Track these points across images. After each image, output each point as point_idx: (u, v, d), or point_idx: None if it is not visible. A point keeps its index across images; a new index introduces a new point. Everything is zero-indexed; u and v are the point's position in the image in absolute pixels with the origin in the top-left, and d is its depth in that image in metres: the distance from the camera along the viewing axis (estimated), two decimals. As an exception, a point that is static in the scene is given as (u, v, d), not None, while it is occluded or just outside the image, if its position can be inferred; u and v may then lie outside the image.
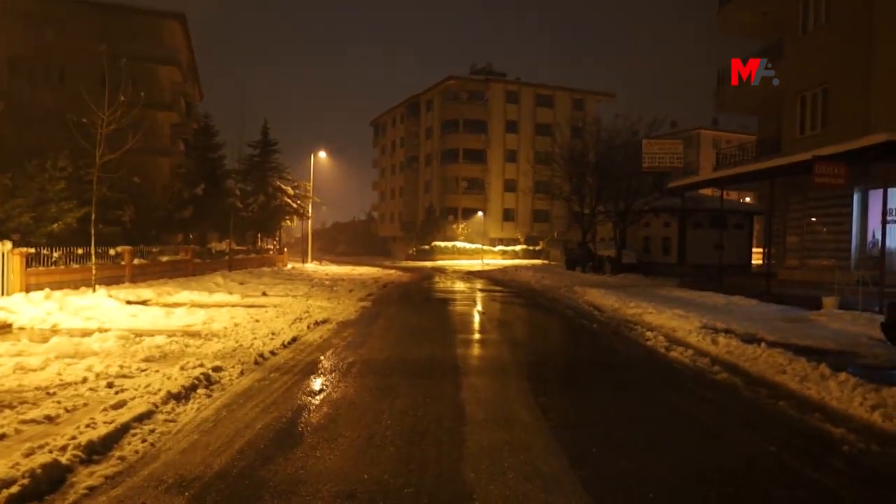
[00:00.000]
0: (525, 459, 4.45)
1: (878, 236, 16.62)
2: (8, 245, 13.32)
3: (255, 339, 9.13)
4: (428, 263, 47.26)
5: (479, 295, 19.31)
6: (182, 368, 6.59)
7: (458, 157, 58.78)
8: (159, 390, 5.71)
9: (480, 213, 57.14)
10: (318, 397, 6.16)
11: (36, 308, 11.35)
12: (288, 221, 40.32)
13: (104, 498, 3.66)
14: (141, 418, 4.97)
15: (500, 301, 17.67)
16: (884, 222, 13.80)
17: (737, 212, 29.50)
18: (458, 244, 54.43)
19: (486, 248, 53.92)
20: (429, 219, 57.01)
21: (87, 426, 4.65)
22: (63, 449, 4.14)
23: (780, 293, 15.71)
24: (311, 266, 38.03)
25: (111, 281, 16.74)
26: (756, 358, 8.16)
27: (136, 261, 18.92)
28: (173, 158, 37.61)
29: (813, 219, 20.15)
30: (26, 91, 29.64)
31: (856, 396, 6.09)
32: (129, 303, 13.43)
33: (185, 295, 15.59)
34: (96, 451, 4.26)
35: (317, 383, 6.80)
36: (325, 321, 11.83)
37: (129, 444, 4.50)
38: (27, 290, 13.31)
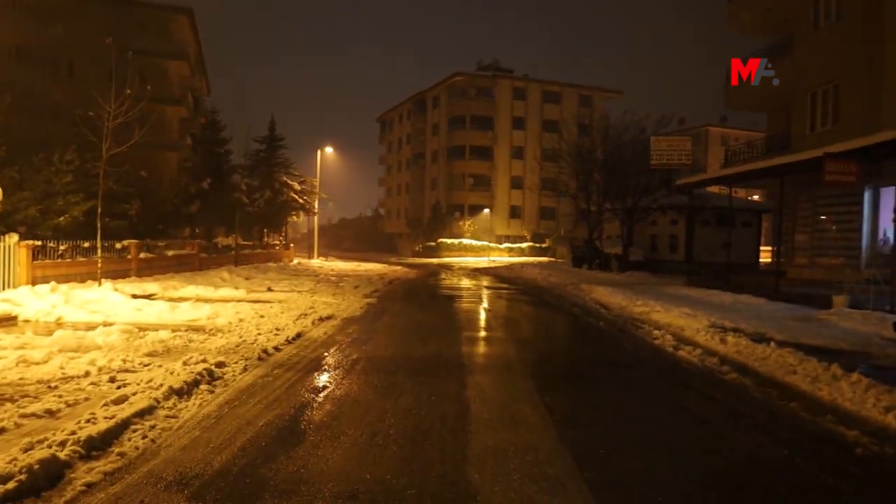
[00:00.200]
0: (531, 460, 4.37)
1: (890, 234, 16.45)
2: (14, 237, 13.33)
3: (259, 334, 9.08)
4: (434, 260, 47.19)
5: (484, 292, 19.22)
6: (185, 364, 6.54)
7: (464, 153, 58.63)
8: (161, 385, 5.65)
9: (487, 210, 57.00)
10: (321, 394, 6.09)
11: (41, 301, 11.34)
12: (294, 217, 40.34)
13: (102, 495, 3.60)
14: (142, 414, 4.92)
15: (506, 298, 17.58)
16: (896, 220, 13.63)
17: (745, 210, 29.29)
18: (465, 241, 54.31)
19: (492, 245, 53.77)
20: (435, 215, 56.92)
21: (88, 421, 4.59)
22: (62, 444, 4.09)
23: (789, 292, 15.55)
24: (316, 262, 38.03)
25: (117, 275, 16.75)
26: (766, 358, 8.04)
27: (142, 255, 18.92)
28: (181, 153, 37.66)
29: (822, 217, 19.96)
30: (35, 84, 29.68)
31: (869, 398, 5.97)
32: (134, 297, 13.43)
33: (190, 289, 15.57)
34: (96, 446, 4.21)
35: (320, 380, 6.73)
36: (329, 317, 11.77)
37: (130, 439, 4.45)
38: (33, 282, 13.31)
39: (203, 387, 5.95)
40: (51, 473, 3.72)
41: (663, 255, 29.27)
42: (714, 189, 28.56)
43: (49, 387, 5.81)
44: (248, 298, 14.73)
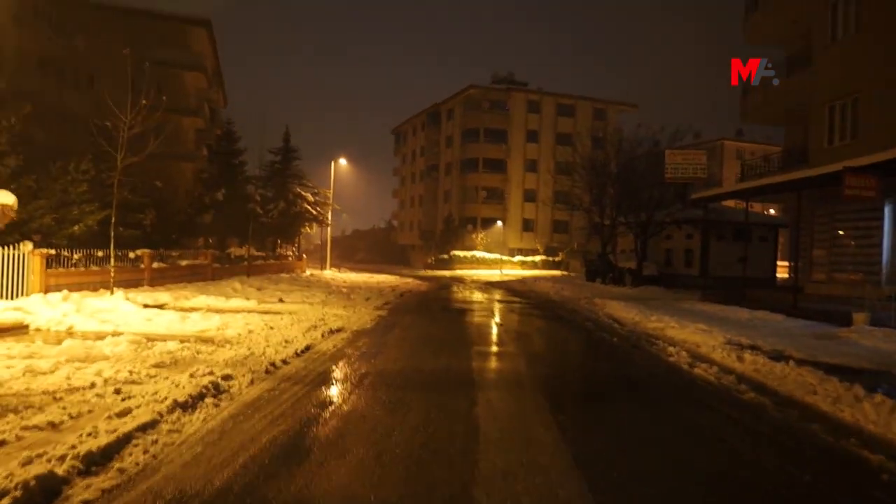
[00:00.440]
0: (541, 483, 4.22)
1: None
2: (29, 246, 13.42)
3: (267, 346, 8.99)
4: (446, 273, 47.08)
5: (496, 305, 19.06)
6: (191, 376, 6.47)
7: (478, 166, 58.65)
8: (166, 398, 5.57)
9: (500, 223, 56.88)
10: (327, 410, 5.97)
11: (53, 309, 11.36)
12: (307, 228, 40.43)
13: (99, 513, 3.51)
14: (144, 428, 4.82)
15: (517, 312, 17.40)
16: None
17: (761, 224, 28.88)
18: (477, 254, 54.18)
19: (504, 258, 53.58)
20: (448, 228, 56.90)
21: (89, 435, 4.51)
22: (61, 459, 4.01)
23: (808, 308, 15.24)
24: (329, 273, 38.05)
25: (130, 284, 16.82)
26: (784, 377, 7.82)
27: (155, 264, 19.00)
28: (197, 163, 37.98)
29: (840, 232, 19.62)
30: (56, 94, 30.10)
31: (894, 420, 5.75)
32: (146, 306, 13.44)
33: (202, 299, 15.58)
34: (96, 461, 4.12)
35: (327, 395, 6.62)
36: (340, 329, 11.68)
37: (131, 455, 4.35)
38: (47, 290, 13.37)
39: (208, 400, 5.86)
40: (47, 490, 3.63)
41: (678, 270, 28.94)
42: (730, 203, 28.24)
43: (54, 398, 5.75)
44: (258, 309, 14.69)
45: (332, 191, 41.51)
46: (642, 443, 5.42)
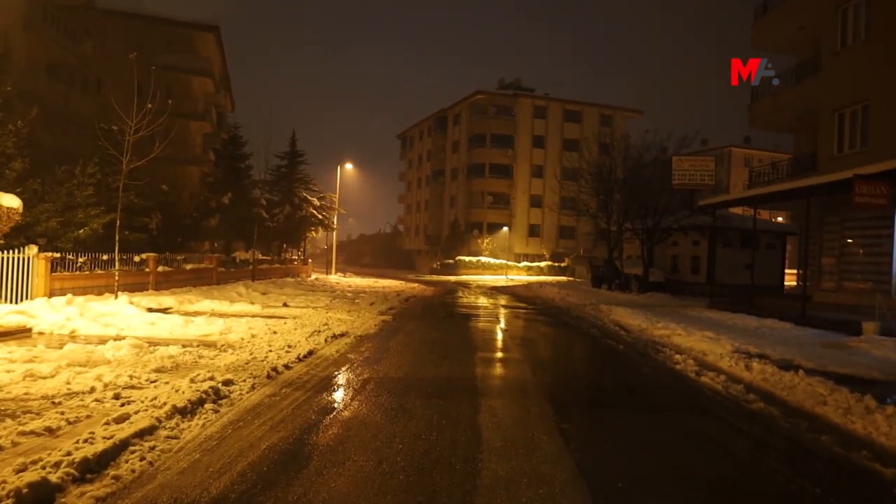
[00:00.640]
0: (545, 494, 4.12)
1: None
2: (34, 249, 13.42)
3: (270, 351, 8.93)
4: (452, 278, 46.98)
5: (502, 311, 18.95)
6: (192, 381, 6.40)
7: (484, 171, 58.61)
8: (165, 404, 5.50)
9: (506, 229, 56.78)
10: (328, 416, 5.89)
11: (57, 313, 11.33)
12: (313, 232, 40.43)
13: (92, 522, 3.44)
14: (142, 434, 4.76)
15: (523, 318, 17.29)
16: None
17: (769, 231, 28.74)
18: (483, 259, 54.07)
19: (510, 263, 53.46)
20: (454, 233, 56.84)
21: (86, 441, 4.45)
22: (56, 466, 3.94)
23: (816, 316, 15.05)
24: (334, 277, 38.04)
25: (135, 288, 16.81)
26: (794, 386, 7.68)
27: (160, 268, 18.98)
28: (203, 167, 38.12)
29: (849, 240, 19.43)
30: (64, 99, 30.26)
31: (906, 433, 5.62)
32: (150, 310, 13.41)
33: (206, 304, 15.55)
34: (91, 469, 4.05)
35: (328, 401, 6.54)
36: (343, 334, 11.61)
37: (127, 462, 4.28)
38: (51, 294, 13.36)
39: (208, 406, 5.79)
40: (40, 498, 3.57)
41: (685, 277, 28.77)
42: (737, 210, 28.07)
43: (53, 403, 5.70)
44: (262, 314, 14.64)
45: (337, 195, 41.53)
46: (647, 453, 5.31)
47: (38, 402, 5.72)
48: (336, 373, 8.06)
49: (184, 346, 8.96)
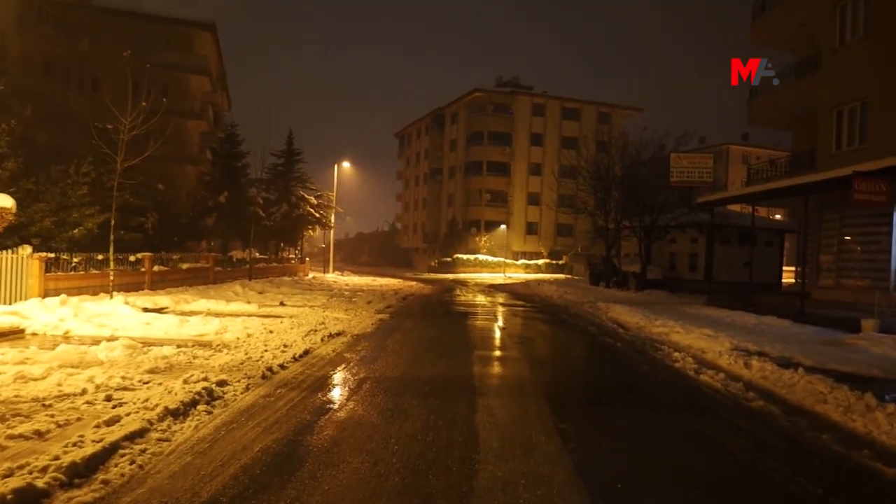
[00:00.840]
0: (543, 495, 4.05)
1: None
2: (27, 250, 13.31)
3: (265, 351, 8.85)
4: (450, 276, 46.90)
5: (499, 309, 18.89)
6: (185, 382, 6.32)
7: (482, 169, 58.48)
8: (157, 405, 5.42)
9: (503, 226, 56.69)
10: (323, 417, 5.81)
11: (50, 314, 11.23)
12: (310, 231, 40.28)
13: (79, 528, 3.36)
14: (133, 437, 4.67)
15: (521, 316, 17.23)
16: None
17: (767, 229, 28.67)
18: (481, 257, 53.99)
19: (508, 261, 53.39)
20: (451, 231, 56.75)
21: (75, 444, 4.37)
22: (43, 470, 3.86)
23: (815, 314, 15.01)
24: (331, 276, 37.94)
25: (131, 287, 16.70)
26: (793, 384, 7.63)
27: (156, 268, 18.87)
28: (200, 167, 37.96)
29: (847, 237, 19.38)
30: (60, 97, 30.11)
31: (908, 432, 5.56)
32: (145, 310, 13.32)
33: (202, 303, 15.45)
34: (79, 473, 3.97)
35: (324, 402, 6.47)
36: (340, 333, 11.54)
37: (117, 465, 4.20)
38: (45, 295, 13.25)
39: (201, 407, 5.70)
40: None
41: (682, 274, 28.72)
42: (735, 208, 28.02)
43: (43, 405, 5.61)
44: (258, 313, 14.56)
45: (335, 193, 41.39)
46: (647, 452, 5.25)
47: (29, 404, 5.63)
48: (332, 372, 7.98)
49: (178, 346, 8.88)
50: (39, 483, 3.68)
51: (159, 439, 4.78)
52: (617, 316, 16.25)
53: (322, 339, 10.52)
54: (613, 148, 31.66)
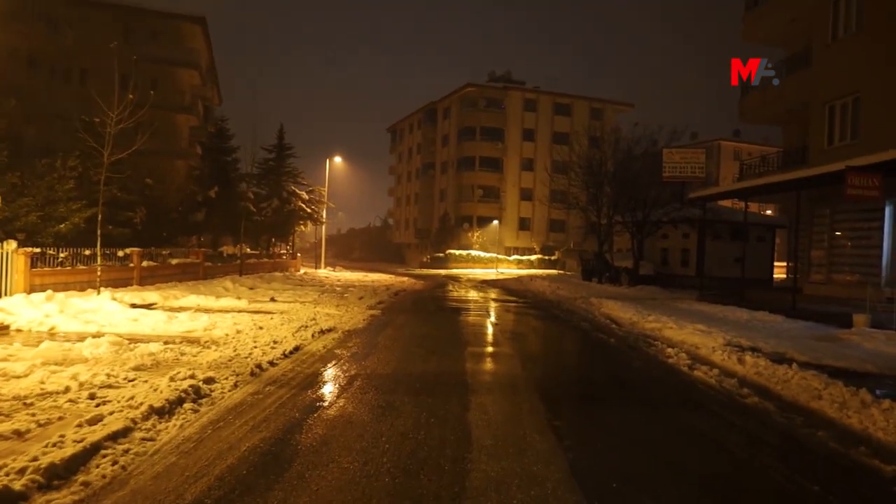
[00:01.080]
0: (536, 495, 3.96)
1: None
2: (12, 244, 13.09)
3: (255, 347, 8.72)
4: (442, 271, 46.80)
5: (492, 305, 18.80)
6: (171, 379, 6.18)
7: (474, 164, 58.33)
8: (142, 404, 5.29)
9: (496, 222, 56.61)
10: (312, 415, 5.70)
11: (36, 310, 11.04)
12: (302, 226, 40.05)
13: (56, 532, 3.23)
14: (116, 436, 4.54)
15: (513, 312, 17.15)
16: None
17: (759, 224, 28.71)
18: (473, 252, 53.92)
19: (501, 256, 53.35)
20: (444, 226, 56.62)
21: (55, 445, 4.24)
22: (21, 472, 3.73)
23: (807, 309, 15.02)
24: (323, 272, 37.74)
25: (119, 283, 16.49)
26: (788, 380, 7.58)
27: (144, 263, 18.66)
28: (190, 161, 37.64)
29: (838, 233, 19.42)
30: (46, 91, 29.72)
31: (905, 428, 5.51)
32: (133, 306, 13.13)
33: (191, 299, 15.28)
34: (58, 474, 3.84)
35: (313, 399, 6.34)
36: (331, 329, 11.41)
37: (98, 466, 4.07)
38: (31, 290, 13.05)
39: (187, 405, 5.57)
40: (1, 507, 3.36)
41: (675, 270, 28.75)
42: (726, 203, 28.04)
43: (24, 403, 5.46)
44: (249, 309, 14.40)
45: (326, 189, 41.16)
46: (641, 449, 5.17)
47: (9, 402, 5.48)
48: (322, 369, 7.86)
49: (166, 342, 8.73)
50: (16, 485, 3.56)
51: (143, 439, 4.65)
52: (610, 311, 16.20)
53: (313, 336, 10.39)
54: (606, 143, 31.62)
